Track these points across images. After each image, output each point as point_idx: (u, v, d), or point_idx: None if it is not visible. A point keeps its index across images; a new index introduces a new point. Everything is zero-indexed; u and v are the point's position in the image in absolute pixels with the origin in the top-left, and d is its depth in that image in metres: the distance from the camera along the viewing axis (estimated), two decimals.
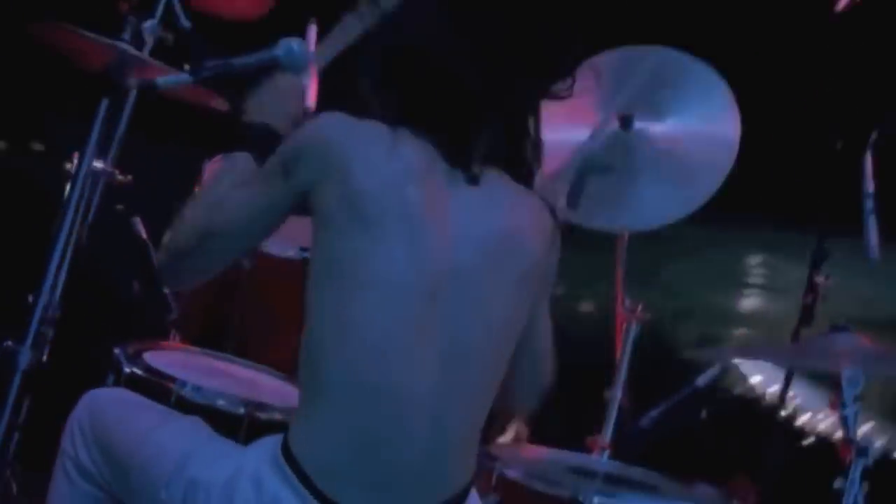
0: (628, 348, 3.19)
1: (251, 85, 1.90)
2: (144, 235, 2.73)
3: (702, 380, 3.05)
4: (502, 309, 1.89)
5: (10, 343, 2.49)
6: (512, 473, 2.46)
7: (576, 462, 2.58)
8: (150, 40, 2.55)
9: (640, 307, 3.24)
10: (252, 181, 1.90)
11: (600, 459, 2.66)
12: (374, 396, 1.81)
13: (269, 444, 1.87)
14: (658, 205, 2.85)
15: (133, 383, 2.39)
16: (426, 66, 1.90)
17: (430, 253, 1.83)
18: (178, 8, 2.00)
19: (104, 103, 2.50)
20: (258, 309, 2.73)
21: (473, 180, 1.87)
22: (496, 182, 1.91)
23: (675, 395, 3.07)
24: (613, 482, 2.50)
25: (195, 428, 1.99)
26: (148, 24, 2.49)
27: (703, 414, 3.05)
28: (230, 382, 2.52)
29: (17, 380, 2.49)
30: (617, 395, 3.17)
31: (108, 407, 2.04)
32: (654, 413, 3.00)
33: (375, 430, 1.82)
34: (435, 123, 1.88)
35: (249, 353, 2.64)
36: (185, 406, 2.38)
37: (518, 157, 1.97)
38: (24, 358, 2.49)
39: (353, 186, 1.81)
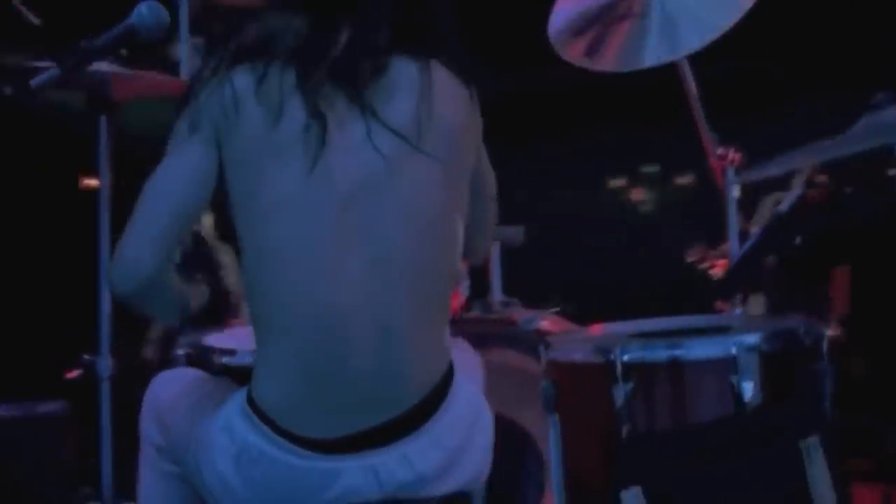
0: (732, 197, 3.07)
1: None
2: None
3: (784, 205, 2.88)
4: (427, 195, 1.91)
5: (87, 356, 2.70)
6: (561, 356, 2.42)
7: (634, 329, 2.52)
8: None
9: (731, 151, 3.10)
10: (167, 154, 1.95)
11: (655, 321, 2.57)
12: (309, 319, 1.86)
13: (239, 394, 1.95)
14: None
15: (194, 362, 2.52)
16: None
17: (335, 165, 1.85)
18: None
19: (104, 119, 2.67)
20: None
21: (364, 84, 1.87)
22: (397, 73, 1.91)
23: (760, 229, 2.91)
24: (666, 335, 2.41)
25: (216, 391, 2.10)
26: None
27: (798, 240, 2.86)
28: None
29: (104, 388, 2.70)
30: (733, 246, 3.06)
31: (168, 385, 2.18)
32: (741, 251, 2.87)
33: (319, 352, 1.86)
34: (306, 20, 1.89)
35: None
36: (234, 373, 2.48)
37: (413, 38, 1.96)
38: (105, 366, 2.70)
39: (239, 118, 1.86)
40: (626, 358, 2.26)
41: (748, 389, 2.24)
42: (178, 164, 1.91)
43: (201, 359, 2.47)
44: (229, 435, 1.89)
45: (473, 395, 2.01)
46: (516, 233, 3.37)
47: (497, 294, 3.35)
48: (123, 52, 2.41)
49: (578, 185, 4.97)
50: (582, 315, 3.17)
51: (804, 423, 2.20)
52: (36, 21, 2.01)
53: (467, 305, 3.30)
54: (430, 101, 1.89)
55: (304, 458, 1.83)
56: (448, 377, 1.94)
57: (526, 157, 4.46)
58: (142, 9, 1.98)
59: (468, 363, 2.14)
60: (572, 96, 4.30)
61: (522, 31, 3.22)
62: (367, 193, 1.87)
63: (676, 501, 2.10)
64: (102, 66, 2.55)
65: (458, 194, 1.97)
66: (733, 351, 2.25)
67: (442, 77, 1.95)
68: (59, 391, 3.08)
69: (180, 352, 2.52)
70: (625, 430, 2.25)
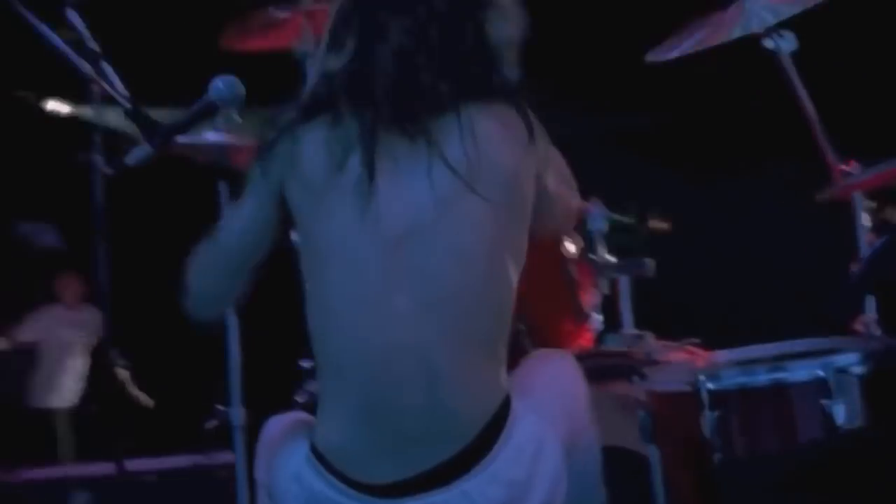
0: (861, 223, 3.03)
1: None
2: None
3: None
4: (476, 236, 1.95)
5: (220, 407, 2.87)
6: (655, 386, 2.44)
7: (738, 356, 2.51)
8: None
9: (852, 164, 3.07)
10: (242, 196, 2.09)
11: (764, 346, 2.55)
12: (360, 360, 1.93)
13: (304, 440, 2.01)
14: None
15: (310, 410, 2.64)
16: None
17: (384, 212, 1.92)
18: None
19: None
20: None
21: (420, 131, 1.94)
22: (455, 117, 1.96)
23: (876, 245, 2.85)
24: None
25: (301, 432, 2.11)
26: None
27: None
28: None
29: (237, 437, 2.86)
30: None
31: (274, 427, 2.21)
32: (858, 269, 2.81)
33: (371, 393, 1.92)
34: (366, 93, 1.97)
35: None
36: None
37: (475, 85, 2.03)
38: (237, 416, 2.86)
39: (304, 170, 1.96)
40: (710, 386, 2.27)
41: (840, 413, 2.22)
42: (240, 212, 2.06)
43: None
44: (299, 483, 1.96)
45: (534, 424, 1.99)
46: (646, 265, 3.38)
47: (628, 327, 3.36)
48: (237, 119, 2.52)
49: (709, 215, 4.93)
50: (721, 345, 3.16)
51: None
52: (127, 101, 2.16)
53: (599, 339, 3.33)
54: (484, 144, 1.94)
55: (369, 503, 1.90)
56: (503, 411, 1.95)
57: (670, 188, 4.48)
58: (218, 83, 2.13)
59: (544, 391, 2.11)
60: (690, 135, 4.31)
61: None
62: (416, 235, 1.92)
63: None
64: (216, 138, 2.74)
65: (510, 236, 2.00)
66: (822, 374, 2.24)
67: (500, 121, 1.99)
68: (194, 441, 3.27)
69: (300, 399, 2.67)
70: (716, 458, 2.26)
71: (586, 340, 3.23)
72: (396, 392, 1.90)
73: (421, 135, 1.93)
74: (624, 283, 3.36)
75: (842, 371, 2.23)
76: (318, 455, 1.95)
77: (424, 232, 1.93)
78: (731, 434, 2.28)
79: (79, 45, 2.38)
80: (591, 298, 3.23)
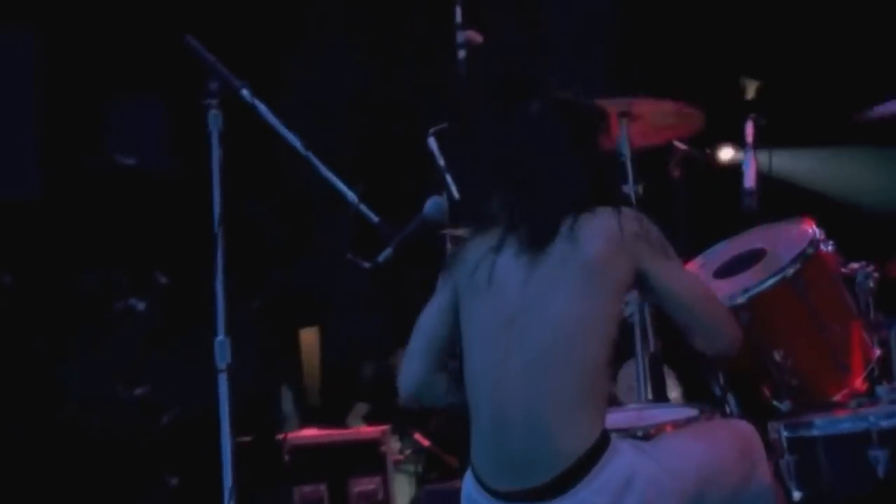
0: None
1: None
2: None
3: None
4: (567, 310, 2.58)
5: None
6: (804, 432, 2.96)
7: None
8: None
9: None
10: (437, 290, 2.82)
11: None
12: (485, 408, 2.64)
13: None
14: None
15: None
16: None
17: (504, 300, 2.64)
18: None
19: None
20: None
21: (536, 243, 2.67)
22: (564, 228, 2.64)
23: None
24: None
25: None
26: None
27: None
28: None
29: None
30: None
31: None
32: None
33: (490, 432, 2.62)
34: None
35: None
36: None
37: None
38: None
39: (465, 269, 2.73)
40: (786, 434, 2.95)
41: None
42: (432, 303, 2.80)
43: None
44: (467, 488, 2.72)
45: (629, 459, 2.55)
46: None
47: None
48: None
49: None
50: None
51: None
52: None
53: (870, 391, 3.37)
54: (580, 241, 2.59)
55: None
56: (597, 450, 2.52)
57: None
58: (430, 205, 3.10)
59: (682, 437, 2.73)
60: None
61: None
62: (524, 314, 2.60)
63: None
64: None
65: (598, 303, 2.58)
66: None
67: (596, 222, 2.63)
68: None
69: None
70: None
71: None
72: (505, 433, 2.59)
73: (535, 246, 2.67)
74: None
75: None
76: (472, 468, 2.71)
77: (531, 311, 2.61)
78: (802, 479, 2.90)
79: None
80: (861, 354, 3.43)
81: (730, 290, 3.31)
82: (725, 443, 2.71)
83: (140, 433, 4.36)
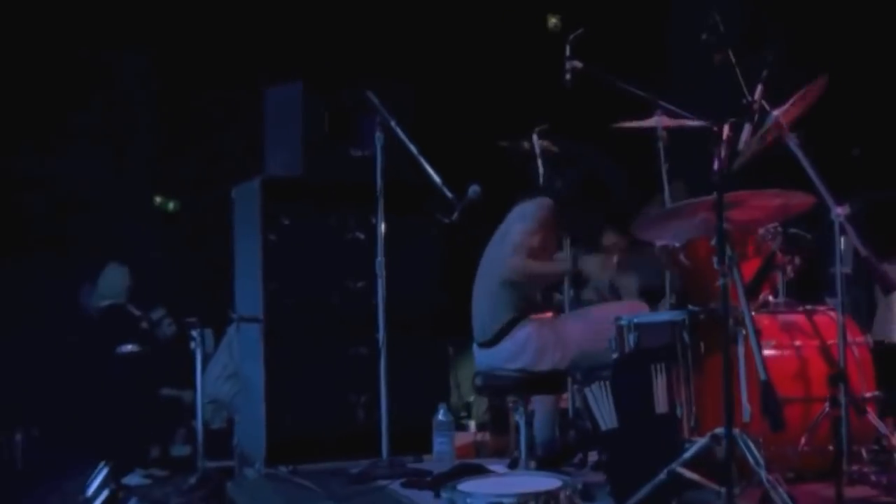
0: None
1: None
2: None
3: None
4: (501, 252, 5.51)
5: None
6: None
7: None
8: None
9: None
10: None
11: None
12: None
13: None
14: None
15: None
16: None
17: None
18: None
19: None
20: None
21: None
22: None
23: None
24: None
25: None
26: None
27: None
28: None
29: None
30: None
31: None
32: None
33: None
34: None
35: None
36: None
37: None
38: None
39: None
40: None
41: None
42: None
43: None
44: None
45: (524, 329, 5.48)
46: None
47: None
48: None
49: None
50: None
51: None
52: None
53: None
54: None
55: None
56: (511, 324, 5.50)
57: None
58: (472, 189, 5.76)
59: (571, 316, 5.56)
60: None
61: None
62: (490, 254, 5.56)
63: None
64: None
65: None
66: None
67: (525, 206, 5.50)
68: None
69: None
70: None
71: None
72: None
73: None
74: None
75: None
76: None
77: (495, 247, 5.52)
78: None
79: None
80: None
81: None
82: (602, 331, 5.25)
83: None
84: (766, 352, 5.18)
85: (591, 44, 5.93)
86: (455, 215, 5.85)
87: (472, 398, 8.40)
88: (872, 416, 5.06)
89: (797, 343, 5.33)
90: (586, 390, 5.26)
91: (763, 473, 4.41)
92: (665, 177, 6.22)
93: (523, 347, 5.33)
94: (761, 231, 5.53)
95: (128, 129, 10.69)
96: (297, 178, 6.69)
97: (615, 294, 7.43)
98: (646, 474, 4.66)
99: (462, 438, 7.13)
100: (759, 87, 5.28)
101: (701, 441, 4.64)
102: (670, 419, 4.83)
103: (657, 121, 6.16)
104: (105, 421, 8.34)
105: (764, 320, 5.39)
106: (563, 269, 5.77)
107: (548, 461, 5.71)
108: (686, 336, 4.86)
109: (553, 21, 11.30)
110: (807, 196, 4.85)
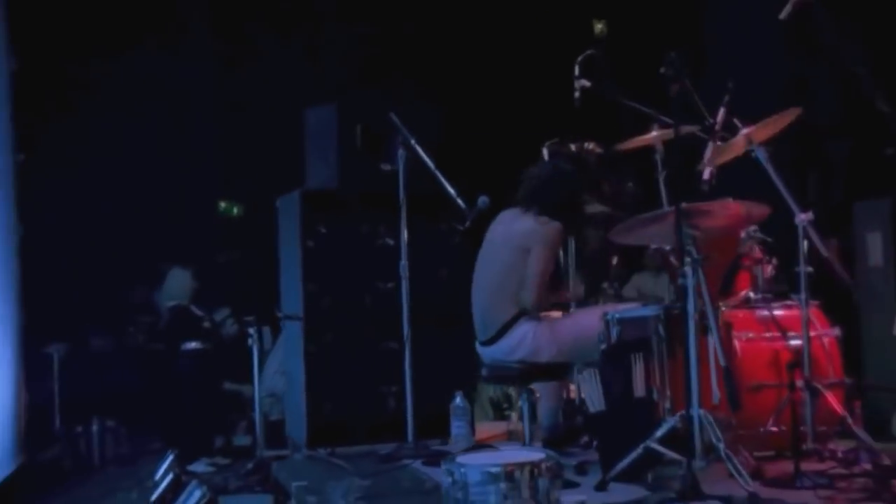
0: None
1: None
2: None
3: None
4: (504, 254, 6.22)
5: None
6: None
7: None
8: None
9: None
10: None
11: None
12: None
13: None
14: None
15: None
16: None
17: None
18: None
19: None
20: None
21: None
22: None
23: None
24: None
25: None
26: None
27: None
28: None
29: None
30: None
31: None
32: None
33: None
34: None
35: None
36: None
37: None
38: None
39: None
40: None
41: None
42: None
43: None
44: None
45: (523, 327, 6.16)
46: None
47: None
48: None
49: None
50: None
51: None
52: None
53: None
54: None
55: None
56: (512, 321, 6.19)
57: None
58: (481, 200, 6.45)
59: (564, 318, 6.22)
60: None
61: None
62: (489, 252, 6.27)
63: None
64: None
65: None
66: None
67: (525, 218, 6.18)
68: None
69: None
70: None
71: None
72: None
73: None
74: None
75: None
76: None
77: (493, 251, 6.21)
78: None
79: None
80: None
81: None
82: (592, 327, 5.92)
83: None
84: (743, 342, 5.84)
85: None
86: (467, 223, 6.55)
87: (511, 390, 9.03)
88: (832, 399, 5.68)
89: (770, 334, 5.96)
90: (578, 377, 5.97)
91: (722, 447, 5.04)
92: (662, 186, 6.79)
93: (520, 343, 6.01)
94: (743, 235, 6.19)
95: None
96: (333, 190, 7.42)
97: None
98: (627, 450, 5.33)
99: (499, 427, 7.87)
100: (722, 111, 5.93)
101: (671, 420, 5.29)
102: (647, 402, 5.49)
103: (655, 137, 6.74)
104: (173, 413, 9.05)
105: (742, 314, 6.05)
106: (578, 296, 6.53)
107: (552, 442, 6.36)
108: (661, 329, 5.50)
109: (599, 27, 11.73)
110: (764, 207, 5.50)
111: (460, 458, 4.95)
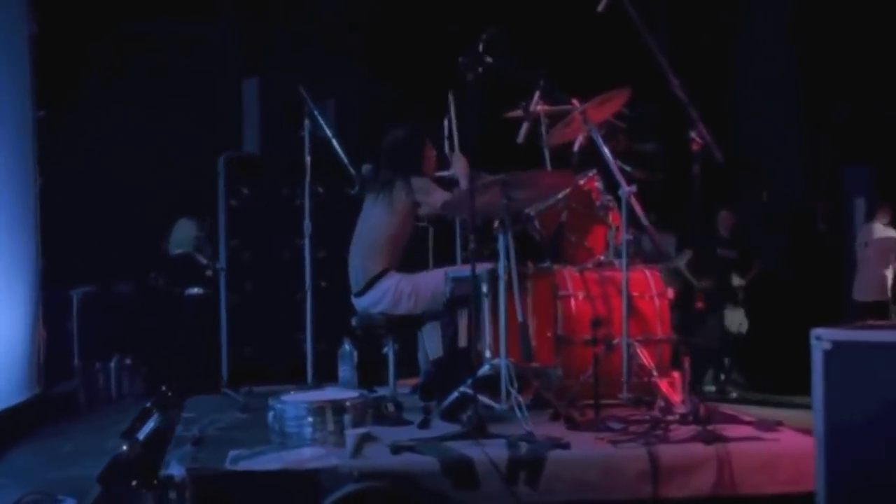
0: None
1: None
2: None
3: None
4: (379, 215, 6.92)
5: None
6: None
7: None
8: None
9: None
10: None
11: None
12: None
13: None
14: None
15: None
16: None
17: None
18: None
19: None
20: None
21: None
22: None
23: None
24: None
25: None
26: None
27: None
28: None
29: None
30: None
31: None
32: None
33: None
34: None
35: None
36: None
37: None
38: None
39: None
40: None
41: None
42: None
43: None
44: None
45: (390, 280, 6.83)
46: None
47: None
48: None
49: None
50: None
51: None
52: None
53: None
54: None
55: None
56: (381, 275, 6.82)
57: None
58: (368, 167, 7.18)
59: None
60: None
61: None
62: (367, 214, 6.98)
63: None
64: None
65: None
66: None
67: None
68: None
69: None
70: None
71: None
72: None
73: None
74: None
75: None
76: None
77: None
78: None
79: None
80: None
81: None
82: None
83: None
84: (579, 301, 6.52)
85: None
86: (356, 188, 7.29)
87: None
88: (643, 354, 6.30)
89: (605, 293, 6.61)
90: (423, 328, 6.71)
91: (514, 393, 5.74)
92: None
93: (384, 295, 6.71)
94: (598, 203, 6.86)
95: None
96: (256, 155, 8.24)
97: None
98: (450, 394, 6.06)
99: None
100: (536, 95, 6.60)
101: (483, 368, 5.99)
102: (468, 351, 6.20)
103: (535, 103, 7.32)
104: (177, 352, 9.95)
105: (588, 275, 6.71)
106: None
107: (424, 389, 7.05)
108: (484, 287, 6.19)
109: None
110: (566, 177, 6.21)
111: (284, 397, 5.76)
